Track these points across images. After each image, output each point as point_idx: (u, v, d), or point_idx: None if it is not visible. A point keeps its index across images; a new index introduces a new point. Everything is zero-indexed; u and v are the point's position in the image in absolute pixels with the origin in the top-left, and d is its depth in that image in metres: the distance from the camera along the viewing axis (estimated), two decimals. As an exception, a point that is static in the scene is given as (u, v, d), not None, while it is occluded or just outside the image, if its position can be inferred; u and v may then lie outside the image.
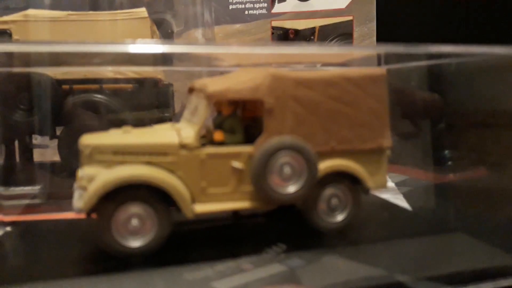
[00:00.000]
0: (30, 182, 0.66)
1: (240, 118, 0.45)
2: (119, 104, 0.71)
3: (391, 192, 0.75)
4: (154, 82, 0.75)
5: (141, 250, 0.40)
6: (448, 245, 0.47)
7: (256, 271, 0.41)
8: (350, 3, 0.98)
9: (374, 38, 0.98)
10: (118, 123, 0.72)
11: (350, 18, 0.98)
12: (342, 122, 0.45)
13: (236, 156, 0.42)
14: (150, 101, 0.73)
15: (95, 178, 0.38)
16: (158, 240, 0.40)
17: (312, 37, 0.99)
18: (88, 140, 0.41)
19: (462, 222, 0.52)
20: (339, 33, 0.99)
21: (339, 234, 0.48)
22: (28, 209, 0.62)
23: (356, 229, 0.49)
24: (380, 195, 0.62)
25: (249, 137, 0.44)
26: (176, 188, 0.40)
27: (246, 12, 1.01)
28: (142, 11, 0.77)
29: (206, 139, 0.44)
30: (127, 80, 0.73)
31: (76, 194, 0.40)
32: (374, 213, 0.55)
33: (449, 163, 0.63)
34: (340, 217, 0.47)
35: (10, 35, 0.72)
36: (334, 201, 0.46)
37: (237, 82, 0.42)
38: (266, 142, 0.42)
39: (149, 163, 0.40)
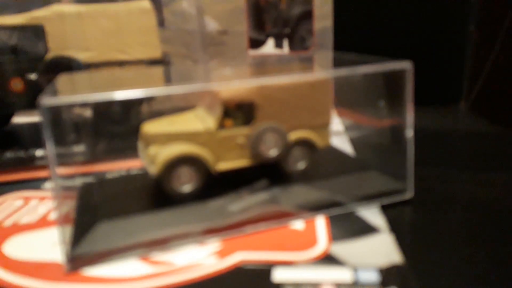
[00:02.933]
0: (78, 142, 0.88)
1: (240, 109, 0.68)
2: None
3: (340, 137, 1.01)
4: (160, 61, 0.97)
5: (188, 193, 0.65)
6: (365, 178, 0.70)
7: (250, 198, 0.65)
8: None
9: (330, 4, 1.19)
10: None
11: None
12: (302, 109, 0.69)
13: (239, 135, 0.68)
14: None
15: (158, 154, 0.64)
16: (197, 187, 0.66)
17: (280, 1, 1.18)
18: (148, 129, 0.66)
19: (377, 162, 0.75)
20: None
21: (301, 175, 0.71)
22: (86, 163, 0.85)
23: (311, 171, 0.72)
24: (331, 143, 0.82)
25: (245, 119, 0.68)
26: (205, 156, 0.66)
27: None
28: (147, 3, 0.95)
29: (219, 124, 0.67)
30: (141, 61, 0.94)
31: (147, 164, 0.65)
32: (323, 159, 0.79)
33: (381, 111, 0.86)
34: (302, 165, 0.72)
35: (43, 28, 0.90)
36: (298, 156, 0.72)
37: (239, 90, 0.66)
38: (257, 126, 0.68)
39: (188, 141, 0.65)
